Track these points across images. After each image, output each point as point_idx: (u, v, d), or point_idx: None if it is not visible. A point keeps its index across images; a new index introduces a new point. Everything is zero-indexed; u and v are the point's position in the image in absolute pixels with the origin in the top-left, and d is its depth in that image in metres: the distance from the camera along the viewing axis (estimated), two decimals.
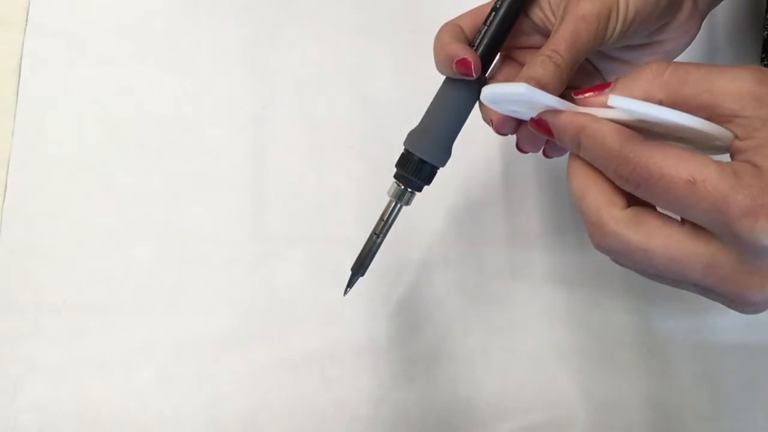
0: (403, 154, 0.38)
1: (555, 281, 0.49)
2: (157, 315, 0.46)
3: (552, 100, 0.29)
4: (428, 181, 0.38)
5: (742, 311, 0.27)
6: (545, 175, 0.51)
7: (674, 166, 0.25)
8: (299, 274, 0.48)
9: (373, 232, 0.38)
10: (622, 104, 0.26)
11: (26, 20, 0.52)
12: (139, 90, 0.51)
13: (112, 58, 0.52)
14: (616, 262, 0.29)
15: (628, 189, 0.27)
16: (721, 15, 0.56)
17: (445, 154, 0.37)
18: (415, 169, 0.37)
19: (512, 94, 0.30)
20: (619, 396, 0.46)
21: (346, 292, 0.39)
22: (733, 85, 0.25)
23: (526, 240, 0.50)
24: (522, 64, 0.37)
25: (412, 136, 0.37)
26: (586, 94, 0.29)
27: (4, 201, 0.48)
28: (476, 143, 0.51)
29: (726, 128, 0.26)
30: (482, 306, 0.48)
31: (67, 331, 0.45)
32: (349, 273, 0.39)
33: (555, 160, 0.39)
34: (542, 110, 0.30)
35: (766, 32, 0.55)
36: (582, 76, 0.38)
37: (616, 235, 0.27)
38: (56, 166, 0.49)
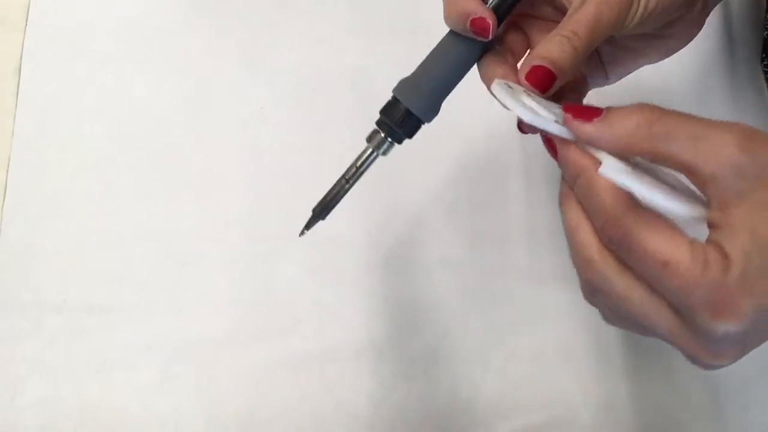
0: (390, 101, 0.36)
1: (555, 281, 0.49)
2: (157, 315, 0.46)
3: (552, 128, 0.29)
4: (410, 135, 0.36)
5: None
6: (546, 174, 0.51)
7: (654, 243, 0.25)
8: (299, 274, 0.48)
9: (343, 177, 0.37)
10: (612, 176, 0.26)
11: (26, 20, 0.52)
12: (138, 90, 0.51)
13: (112, 58, 0.52)
14: (593, 297, 0.30)
15: (609, 245, 0.27)
16: (721, 15, 0.56)
17: (433, 111, 0.36)
18: (400, 120, 0.35)
19: (516, 111, 0.29)
20: (620, 396, 0.46)
21: (302, 233, 0.37)
22: (715, 151, 0.25)
23: (526, 240, 0.49)
24: (524, 32, 0.36)
25: (403, 85, 0.36)
26: (574, 117, 0.28)
27: (4, 201, 0.48)
28: (476, 142, 0.51)
29: (703, 192, 0.26)
30: (482, 306, 0.48)
31: (67, 331, 0.45)
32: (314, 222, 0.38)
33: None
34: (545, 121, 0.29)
35: (766, 32, 0.55)
36: None
37: (606, 279, 0.28)
38: (56, 166, 0.49)
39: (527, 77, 0.31)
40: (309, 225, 0.37)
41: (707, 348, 0.26)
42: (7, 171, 0.48)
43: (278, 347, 0.46)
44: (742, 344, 0.26)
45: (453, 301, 0.48)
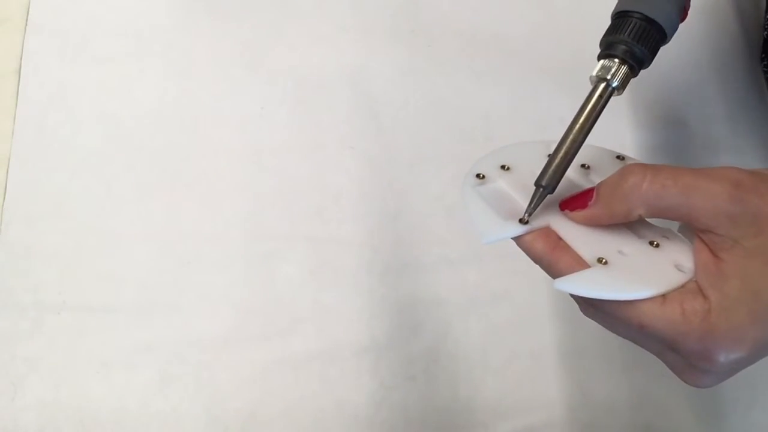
0: (613, 22, 0.29)
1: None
2: (157, 315, 0.46)
3: (510, 234, 0.31)
4: (653, 53, 0.28)
5: None
6: None
7: (624, 311, 0.27)
8: (299, 274, 0.48)
9: (569, 130, 0.30)
10: (568, 289, 0.28)
11: (26, 20, 0.52)
12: (139, 90, 0.51)
13: (112, 57, 0.52)
14: (589, 313, 0.31)
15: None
16: (721, 15, 0.56)
17: (677, 14, 0.28)
18: (638, 32, 0.27)
19: (474, 225, 0.31)
20: (619, 396, 0.46)
21: (530, 213, 0.30)
22: (709, 204, 0.26)
23: None
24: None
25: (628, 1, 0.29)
26: (571, 210, 0.30)
27: (4, 201, 0.48)
28: (475, 143, 0.51)
29: (700, 238, 0.27)
30: (482, 306, 0.48)
31: (67, 331, 0.45)
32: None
33: None
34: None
35: (765, 32, 0.55)
36: None
37: (596, 318, 0.30)
38: (56, 166, 0.49)
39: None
40: (537, 203, 0.30)
41: (696, 376, 0.28)
42: (7, 171, 0.48)
43: (278, 347, 0.46)
44: (726, 376, 0.28)
45: (453, 301, 0.48)
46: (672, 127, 0.53)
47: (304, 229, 0.49)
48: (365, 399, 0.45)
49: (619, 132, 0.53)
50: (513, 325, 0.48)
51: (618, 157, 0.34)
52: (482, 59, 0.54)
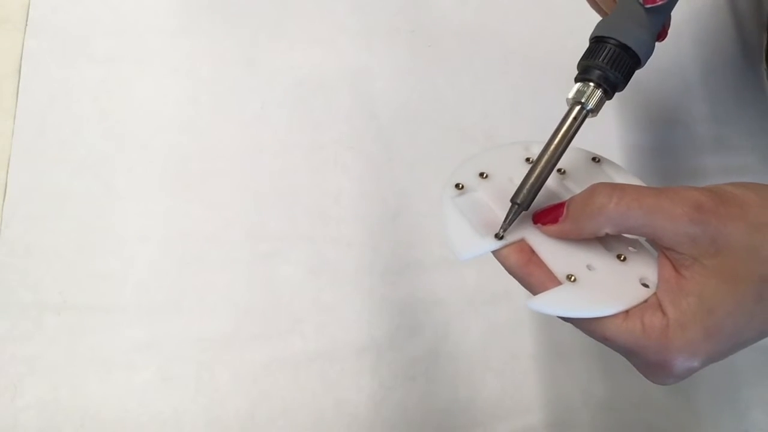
0: (590, 47, 0.30)
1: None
2: (157, 315, 0.46)
3: (486, 249, 0.31)
4: (627, 77, 0.30)
5: None
6: None
7: (590, 323, 0.29)
8: (299, 274, 0.48)
9: (545, 152, 0.31)
10: (539, 309, 0.29)
11: (26, 20, 0.52)
12: (138, 90, 0.51)
13: (112, 58, 0.52)
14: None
15: None
16: (724, 16, 0.56)
17: (651, 40, 0.29)
18: (612, 58, 0.29)
19: (450, 239, 0.31)
20: (619, 396, 0.46)
21: (505, 229, 0.31)
22: (671, 225, 0.27)
23: None
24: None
25: (603, 24, 0.30)
26: (543, 224, 0.31)
27: (4, 201, 0.48)
28: (474, 142, 0.51)
29: (663, 255, 0.28)
30: (482, 306, 0.48)
31: (67, 331, 0.45)
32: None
33: None
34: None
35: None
36: None
37: None
38: (56, 166, 0.49)
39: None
40: (512, 219, 0.31)
41: (657, 378, 0.30)
42: (7, 171, 0.48)
43: (278, 347, 0.46)
44: (684, 377, 0.29)
45: (453, 301, 0.48)
46: (671, 127, 0.53)
47: (304, 229, 0.49)
48: (365, 399, 0.45)
49: (617, 133, 0.53)
50: (513, 325, 0.48)
51: (594, 158, 0.34)
52: (482, 59, 0.55)
